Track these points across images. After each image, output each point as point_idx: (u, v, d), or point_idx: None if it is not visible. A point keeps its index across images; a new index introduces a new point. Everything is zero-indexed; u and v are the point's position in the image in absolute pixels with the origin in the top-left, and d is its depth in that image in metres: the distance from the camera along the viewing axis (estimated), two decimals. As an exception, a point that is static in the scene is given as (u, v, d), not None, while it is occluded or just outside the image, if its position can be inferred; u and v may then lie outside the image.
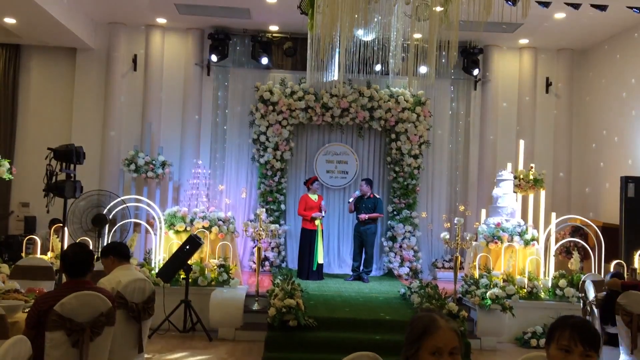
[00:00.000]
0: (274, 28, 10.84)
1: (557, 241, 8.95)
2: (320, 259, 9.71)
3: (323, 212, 9.79)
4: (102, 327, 3.91)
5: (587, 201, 10.98)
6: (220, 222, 8.58)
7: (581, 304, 6.13)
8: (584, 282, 6.34)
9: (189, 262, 7.55)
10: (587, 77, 11.33)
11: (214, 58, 10.74)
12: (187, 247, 7.50)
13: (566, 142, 11.42)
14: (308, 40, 6.98)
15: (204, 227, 8.42)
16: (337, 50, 6.81)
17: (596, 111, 10.96)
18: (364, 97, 10.65)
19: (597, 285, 6.10)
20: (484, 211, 9.91)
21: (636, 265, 7.82)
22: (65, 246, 7.41)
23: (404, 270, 10.50)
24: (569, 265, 9.59)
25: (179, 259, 7.44)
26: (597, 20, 9.59)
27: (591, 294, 5.88)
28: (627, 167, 9.70)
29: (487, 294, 7.21)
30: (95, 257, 4.85)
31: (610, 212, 10.04)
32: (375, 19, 6.51)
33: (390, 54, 6.96)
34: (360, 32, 6.89)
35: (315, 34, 6.33)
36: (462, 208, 10.70)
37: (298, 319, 6.47)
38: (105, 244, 7.93)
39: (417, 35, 6.83)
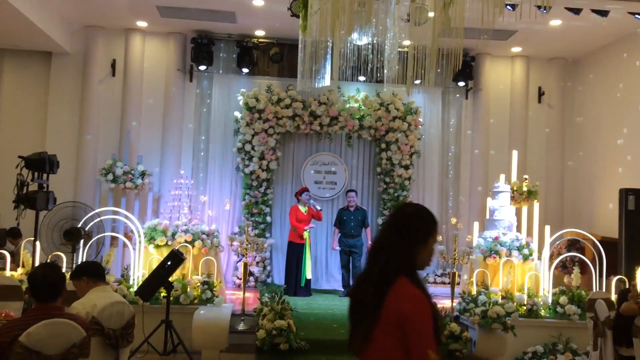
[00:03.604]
0: (260, 33, 10.44)
1: (554, 255, 8.62)
2: (308, 274, 9.27)
3: (317, 207, 9.48)
4: (75, 360, 3.44)
5: (581, 214, 10.71)
6: (204, 236, 8.08)
7: (592, 325, 5.77)
8: (591, 300, 5.99)
9: (170, 279, 7.05)
10: (579, 87, 11.11)
11: (202, 67, 10.33)
12: (169, 263, 6.99)
13: (559, 153, 11.17)
14: (299, 44, 6.59)
15: (186, 241, 7.93)
16: (330, 53, 6.42)
17: (589, 122, 10.73)
18: (353, 104, 10.30)
19: (607, 303, 5.75)
20: (476, 224, 9.54)
21: (639, 280, 7.51)
22: (37, 262, 6.90)
23: (395, 285, 10.07)
24: (565, 280, 9.28)
25: (159, 276, 6.93)
26: (591, 28, 9.37)
27: (603, 314, 5.53)
28: (622, 179, 9.44)
29: (488, 312, 6.82)
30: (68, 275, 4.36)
31: (605, 225, 9.77)
32: (372, 22, 6.11)
33: (385, 60, 6.62)
34: (354, 35, 6.51)
35: (309, 36, 5.94)
36: (454, 221, 10.37)
37: (290, 342, 6.02)
38: (79, 259, 7.40)
39: (407, 42, 6.50)
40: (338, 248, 9.65)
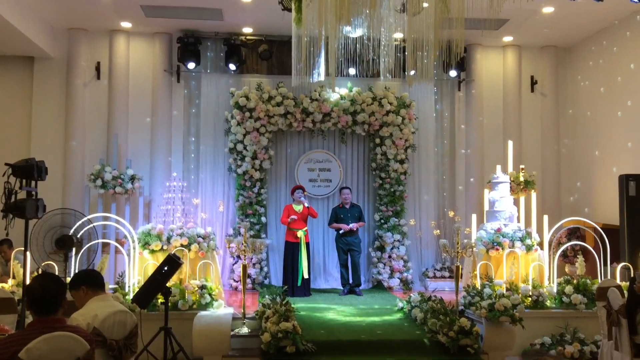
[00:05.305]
0: (247, 30, 10.23)
1: (553, 244, 8.50)
2: (305, 273, 9.09)
3: (306, 203, 9.24)
4: (78, 376, 3.22)
5: (579, 202, 10.63)
6: (200, 239, 7.87)
7: (603, 314, 5.65)
8: (602, 289, 5.86)
9: (168, 284, 6.82)
10: (572, 74, 11.04)
11: (190, 65, 10.06)
12: (166, 268, 6.77)
13: (554, 142, 11.07)
14: (293, 38, 6.39)
15: (182, 245, 7.71)
16: (324, 47, 6.23)
17: (584, 109, 10.66)
18: (346, 100, 10.12)
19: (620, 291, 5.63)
20: (474, 216, 9.42)
21: (643, 267, 7.42)
22: (28, 272, 6.64)
23: (394, 281, 9.94)
24: (566, 269, 9.20)
25: (156, 282, 6.70)
26: (584, 15, 9.29)
27: (617, 302, 5.41)
28: (619, 165, 9.38)
29: (495, 305, 6.67)
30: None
31: (605, 212, 9.70)
32: (366, 14, 5.92)
33: (381, 51, 6.45)
34: (347, 28, 6.33)
35: (304, 29, 5.75)
36: (451, 214, 10.27)
37: (296, 344, 5.83)
38: (72, 268, 7.14)
39: (398, 35, 6.34)
40: (349, 225, 9.32)
